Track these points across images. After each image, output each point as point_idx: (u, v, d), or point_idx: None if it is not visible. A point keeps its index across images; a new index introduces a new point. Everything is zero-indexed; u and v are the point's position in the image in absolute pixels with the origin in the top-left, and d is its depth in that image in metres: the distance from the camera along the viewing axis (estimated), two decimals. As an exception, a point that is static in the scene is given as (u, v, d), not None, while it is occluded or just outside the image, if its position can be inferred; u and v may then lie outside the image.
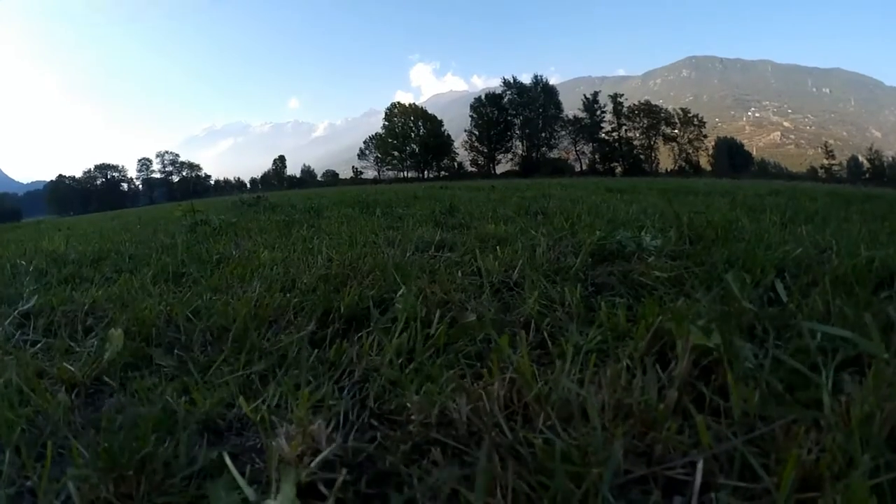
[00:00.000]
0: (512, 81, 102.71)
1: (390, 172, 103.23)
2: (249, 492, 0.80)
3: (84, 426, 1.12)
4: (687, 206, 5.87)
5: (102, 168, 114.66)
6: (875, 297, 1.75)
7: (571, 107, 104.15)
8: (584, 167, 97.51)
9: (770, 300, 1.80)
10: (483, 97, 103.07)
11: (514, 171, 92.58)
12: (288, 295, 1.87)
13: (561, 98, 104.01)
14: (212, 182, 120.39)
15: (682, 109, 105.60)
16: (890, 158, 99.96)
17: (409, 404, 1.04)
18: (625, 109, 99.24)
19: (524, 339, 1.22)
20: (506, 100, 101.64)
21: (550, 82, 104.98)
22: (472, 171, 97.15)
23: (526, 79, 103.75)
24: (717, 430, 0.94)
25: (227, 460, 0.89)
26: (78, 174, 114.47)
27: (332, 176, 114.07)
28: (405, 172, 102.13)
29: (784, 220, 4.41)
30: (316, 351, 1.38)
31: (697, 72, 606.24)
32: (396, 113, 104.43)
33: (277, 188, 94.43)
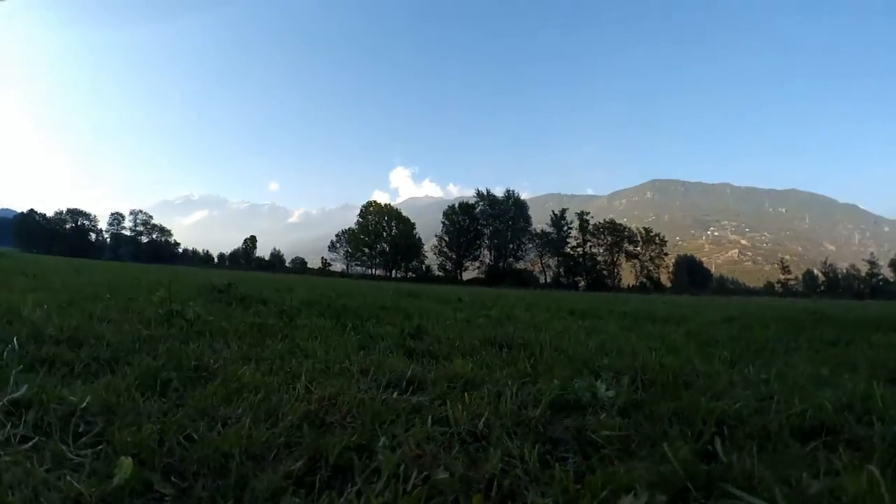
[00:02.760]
0: (485, 193, 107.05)
1: (359, 268, 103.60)
2: None
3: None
4: (644, 338, 6.23)
5: (74, 213, 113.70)
6: (803, 450, 2.11)
7: (540, 221, 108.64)
8: (549, 279, 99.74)
9: (708, 454, 2.07)
10: (456, 205, 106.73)
11: (481, 279, 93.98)
12: (274, 430, 2.02)
13: (531, 212, 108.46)
14: (180, 250, 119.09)
15: (645, 228, 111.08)
16: (844, 270, 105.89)
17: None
18: (590, 227, 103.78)
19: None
20: (478, 210, 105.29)
21: (522, 196, 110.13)
22: (439, 275, 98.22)
23: (499, 191, 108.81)
24: None
25: None
26: (49, 213, 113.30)
27: (300, 263, 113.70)
28: (374, 270, 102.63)
29: (734, 356, 4.81)
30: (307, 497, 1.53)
31: (660, 194, 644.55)
32: (371, 211, 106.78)
33: (245, 268, 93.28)
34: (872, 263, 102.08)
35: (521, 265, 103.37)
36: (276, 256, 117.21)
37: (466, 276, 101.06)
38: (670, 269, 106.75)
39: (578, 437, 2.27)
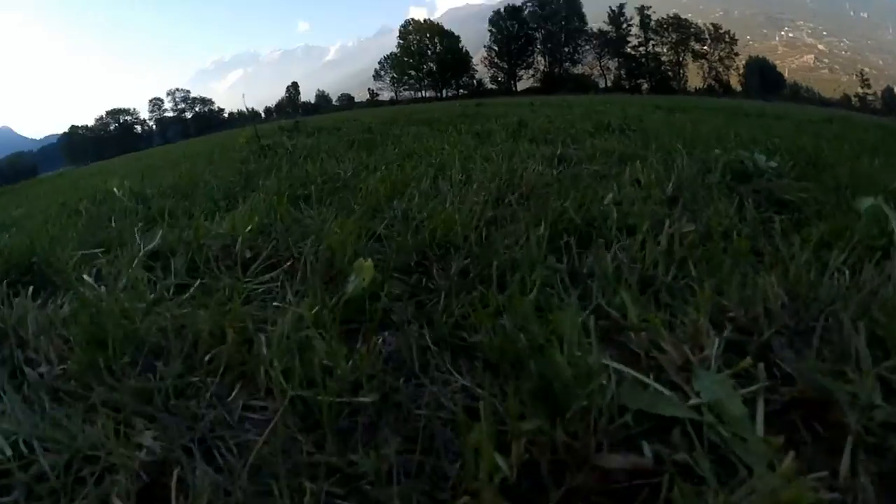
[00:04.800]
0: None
1: (407, 93, 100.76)
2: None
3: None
4: (749, 129, 5.74)
5: (114, 113, 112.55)
6: None
7: (596, 20, 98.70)
8: (609, 84, 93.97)
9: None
10: (502, 10, 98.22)
11: (536, 88, 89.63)
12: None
13: (585, 10, 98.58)
14: (226, 115, 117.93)
15: (713, 25, 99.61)
16: None
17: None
18: (652, 23, 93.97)
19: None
20: (526, 12, 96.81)
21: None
22: (492, 89, 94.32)
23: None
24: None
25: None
26: (90, 122, 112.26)
27: (347, 100, 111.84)
28: (423, 92, 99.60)
29: (855, 149, 4.30)
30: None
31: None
32: (411, 31, 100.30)
33: (293, 116, 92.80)
34: None
35: (578, 70, 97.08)
36: (322, 97, 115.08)
37: (521, 86, 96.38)
38: (741, 73, 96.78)
39: (769, 197, 2.09)
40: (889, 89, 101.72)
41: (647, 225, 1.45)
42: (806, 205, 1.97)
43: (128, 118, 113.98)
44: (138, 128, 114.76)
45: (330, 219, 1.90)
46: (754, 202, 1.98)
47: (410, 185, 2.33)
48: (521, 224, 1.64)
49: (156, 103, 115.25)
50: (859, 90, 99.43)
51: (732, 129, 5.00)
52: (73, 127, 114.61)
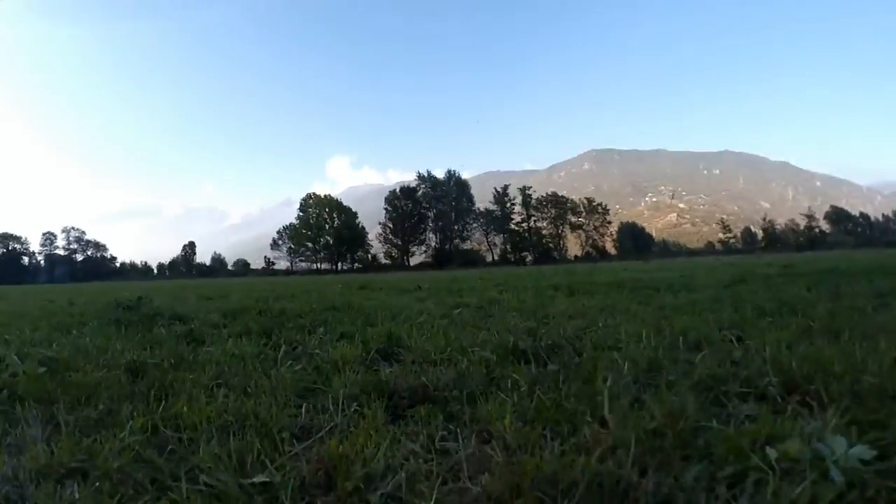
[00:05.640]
0: (426, 175, 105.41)
1: (303, 264, 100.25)
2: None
3: None
4: (693, 314, 4.77)
5: (3, 238, 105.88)
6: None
7: (483, 199, 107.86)
8: (496, 257, 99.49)
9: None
10: (398, 190, 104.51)
11: (428, 263, 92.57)
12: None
13: (473, 191, 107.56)
14: (117, 264, 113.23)
15: (587, 199, 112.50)
16: (782, 225, 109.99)
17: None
18: (533, 201, 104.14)
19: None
20: (420, 193, 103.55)
21: (462, 177, 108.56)
22: (386, 263, 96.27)
23: (439, 173, 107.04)
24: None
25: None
26: None
27: (243, 265, 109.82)
28: (318, 264, 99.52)
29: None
30: None
31: (598, 164, 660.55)
32: (311, 204, 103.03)
33: (186, 276, 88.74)
34: (811, 217, 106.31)
35: (467, 245, 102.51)
36: (218, 260, 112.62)
37: (413, 261, 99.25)
38: (614, 237, 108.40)
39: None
40: (748, 229, 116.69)
41: None
42: None
43: (17, 246, 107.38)
44: (26, 259, 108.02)
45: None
46: None
47: None
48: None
49: (49, 237, 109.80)
50: (721, 236, 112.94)
51: (671, 325, 3.89)
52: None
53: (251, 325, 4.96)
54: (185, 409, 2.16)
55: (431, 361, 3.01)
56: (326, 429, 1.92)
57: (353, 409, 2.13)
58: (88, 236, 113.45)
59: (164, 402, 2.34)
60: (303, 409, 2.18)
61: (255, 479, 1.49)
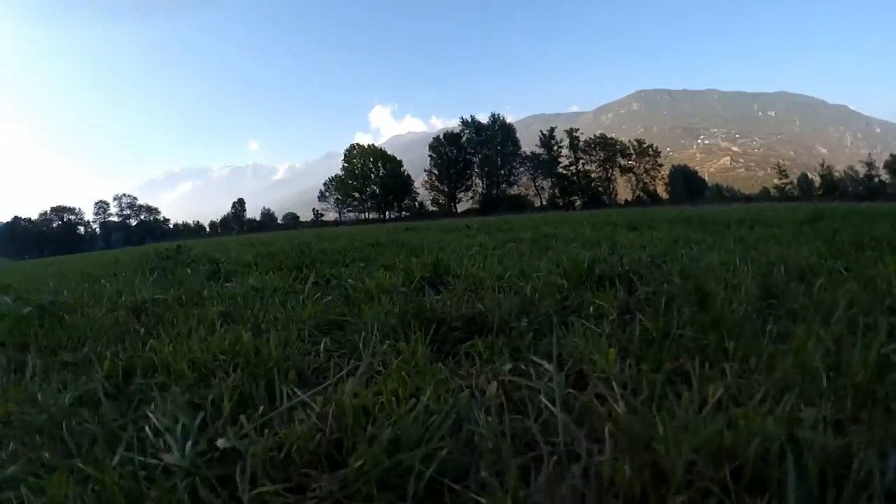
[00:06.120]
0: (470, 120, 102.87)
1: (351, 214, 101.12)
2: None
3: None
4: (781, 246, 4.04)
5: (59, 210, 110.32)
6: None
7: (529, 143, 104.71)
8: (544, 202, 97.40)
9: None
10: (442, 137, 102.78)
11: (475, 209, 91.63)
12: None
13: (518, 135, 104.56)
14: (170, 226, 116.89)
15: (637, 140, 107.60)
16: (840, 173, 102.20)
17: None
18: (581, 143, 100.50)
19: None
20: (464, 139, 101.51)
21: (507, 120, 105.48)
22: (433, 211, 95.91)
23: (483, 118, 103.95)
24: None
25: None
26: (34, 216, 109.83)
27: (292, 219, 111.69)
28: (366, 214, 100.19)
29: None
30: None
31: (647, 104, 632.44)
32: (356, 154, 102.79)
33: (237, 232, 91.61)
34: (870, 165, 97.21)
35: (514, 190, 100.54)
36: (267, 215, 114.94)
37: (461, 207, 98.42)
38: (666, 181, 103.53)
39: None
40: (804, 176, 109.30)
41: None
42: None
43: (72, 217, 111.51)
44: (81, 228, 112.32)
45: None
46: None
47: None
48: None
49: (101, 206, 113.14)
50: (777, 182, 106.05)
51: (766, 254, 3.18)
52: (16, 218, 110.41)
53: (284, 262, 4.48)
54: (169, 348, 1.64)
55: (489, 288, 2.39)
56: (345, 370, 1.34)
57: (385, 345, 1.56)
58: (140, 201, 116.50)
59: (151, 342, 1.83)
60: (321, 346, 1.62)
61: (219, 445, 0.95)
